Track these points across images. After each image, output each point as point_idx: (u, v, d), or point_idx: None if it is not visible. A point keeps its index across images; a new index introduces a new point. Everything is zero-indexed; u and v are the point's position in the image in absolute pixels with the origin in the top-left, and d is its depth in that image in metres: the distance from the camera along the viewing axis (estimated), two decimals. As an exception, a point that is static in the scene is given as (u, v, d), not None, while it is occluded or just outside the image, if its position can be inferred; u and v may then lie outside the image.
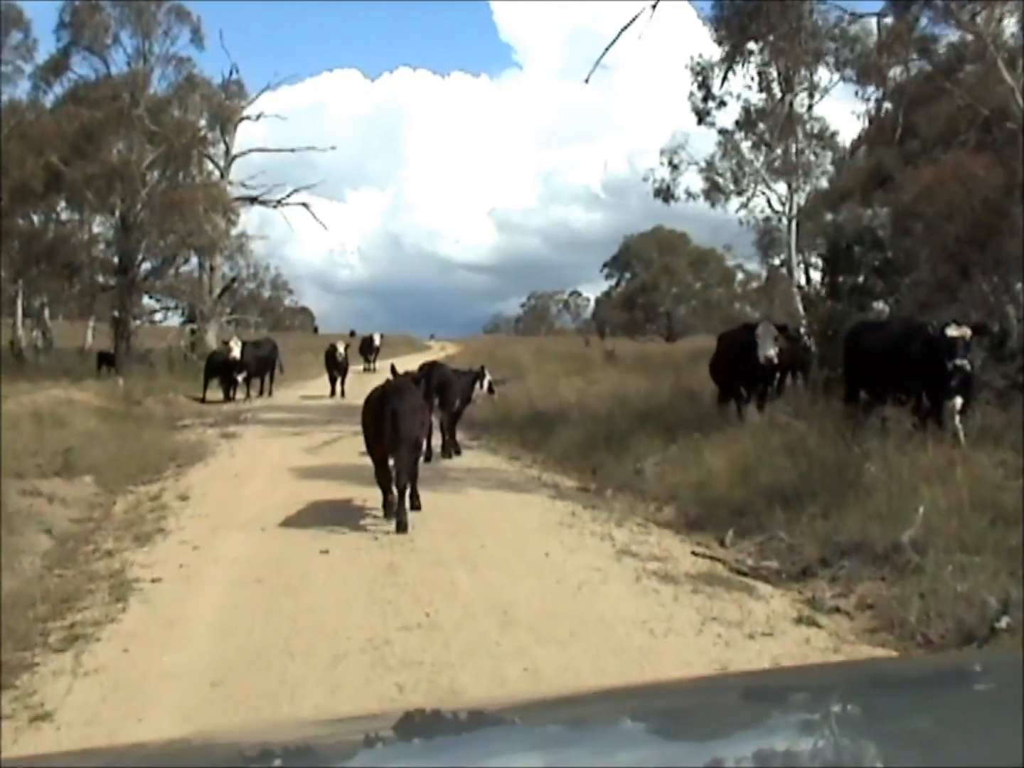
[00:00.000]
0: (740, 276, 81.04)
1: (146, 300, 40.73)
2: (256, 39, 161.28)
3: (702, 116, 36.02)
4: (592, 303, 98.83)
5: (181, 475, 16.61)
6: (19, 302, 41.88)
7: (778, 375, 19.61)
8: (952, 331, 14.03)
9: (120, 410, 25.73)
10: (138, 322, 37.65)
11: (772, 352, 18.16)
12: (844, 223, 31.43)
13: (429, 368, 19.11)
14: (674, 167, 36.27)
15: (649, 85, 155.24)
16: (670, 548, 11.59)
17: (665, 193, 36.65)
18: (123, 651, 7.94)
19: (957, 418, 14.50)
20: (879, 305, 26.87)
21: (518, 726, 2.70)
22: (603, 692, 3.90)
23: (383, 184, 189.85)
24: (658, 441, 17.28)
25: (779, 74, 35.09)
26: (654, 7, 16.61)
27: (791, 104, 34.93)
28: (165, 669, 7.56)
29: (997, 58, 21.13)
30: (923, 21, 33.87)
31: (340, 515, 13.00)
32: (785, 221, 35.74)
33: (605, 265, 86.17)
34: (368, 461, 13.60)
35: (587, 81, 16.44)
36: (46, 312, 44.07)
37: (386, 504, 12.84)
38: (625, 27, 16.71)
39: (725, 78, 28.13)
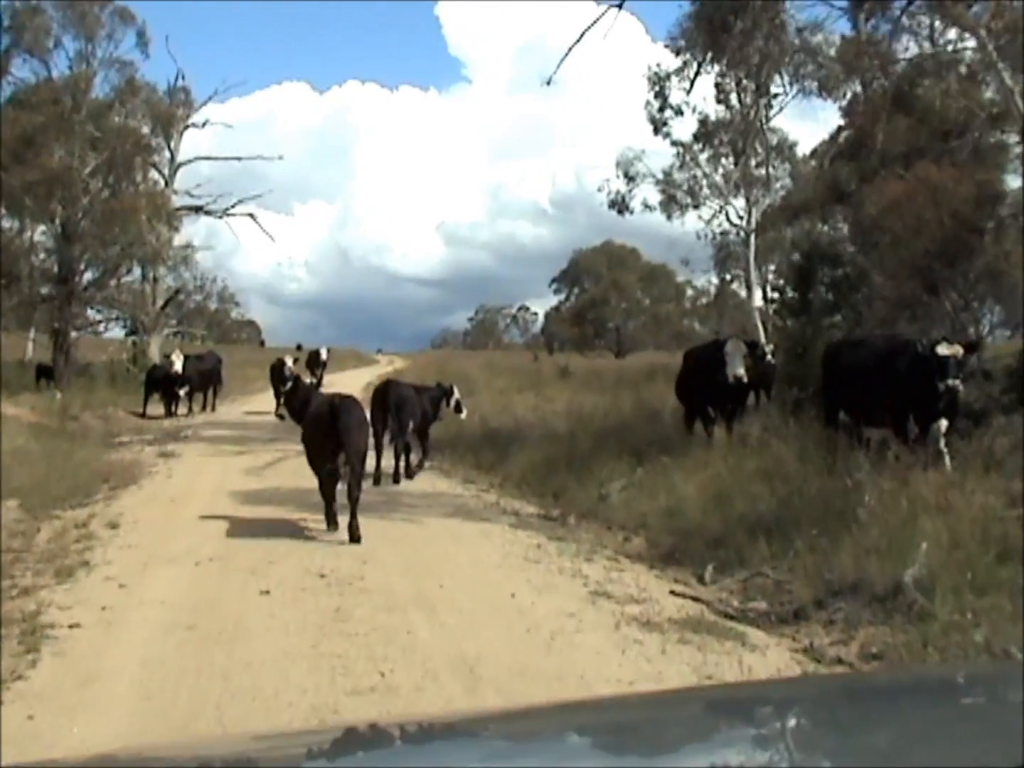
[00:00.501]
0: (690, 292, 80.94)
1: (88, 311, 39.15)
2: (204, 51, 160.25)
3: (658, 127, 35.07)
4: (541, 318, 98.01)
5: (113, 499, 15.29)
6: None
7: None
8: (943, 349, 12.98)
9: (55, 426, 24.38)
10: (78, 334, 36.06)
11: (741, 371, 17.15)
12: (801, 238, 30.53)
13: (385, 385, 17.93)
14: (630, 179, 35.26)
15: (597, 100, 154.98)
16: (647, 587, 10.43)
17: (620, 205, 35.63)
18: (28, 718, 6.70)
19: (942, 441, 13.48)
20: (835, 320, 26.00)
21: (467, 738, 2.67)
22: (556, 706, 3.93)
23: (331, 197, 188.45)
24: (623, 464, 16.23)
25: (737, 84, 34.24)
26: (620, 7, 15.51)
27: (753, 114, 34.05)
28: (73, 743, 6.31)
29: (995, 58, 20.09)
30: (881, 34, 33.42)
31: (283, 547, 11.77)
32: (743, 235, 34.82)
33: (554, 280, 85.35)
34: (313, 485, 13.12)
35: (549, 83, 15.32)
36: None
37: (329, 515, 12.86)
38: (589, 26, 15.62)
39: (694, 82, 27.10)
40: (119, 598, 9.65)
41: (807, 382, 18.39)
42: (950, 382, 12.84)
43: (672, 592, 10.25)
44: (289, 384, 15.89)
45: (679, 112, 34.65)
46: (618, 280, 77.50)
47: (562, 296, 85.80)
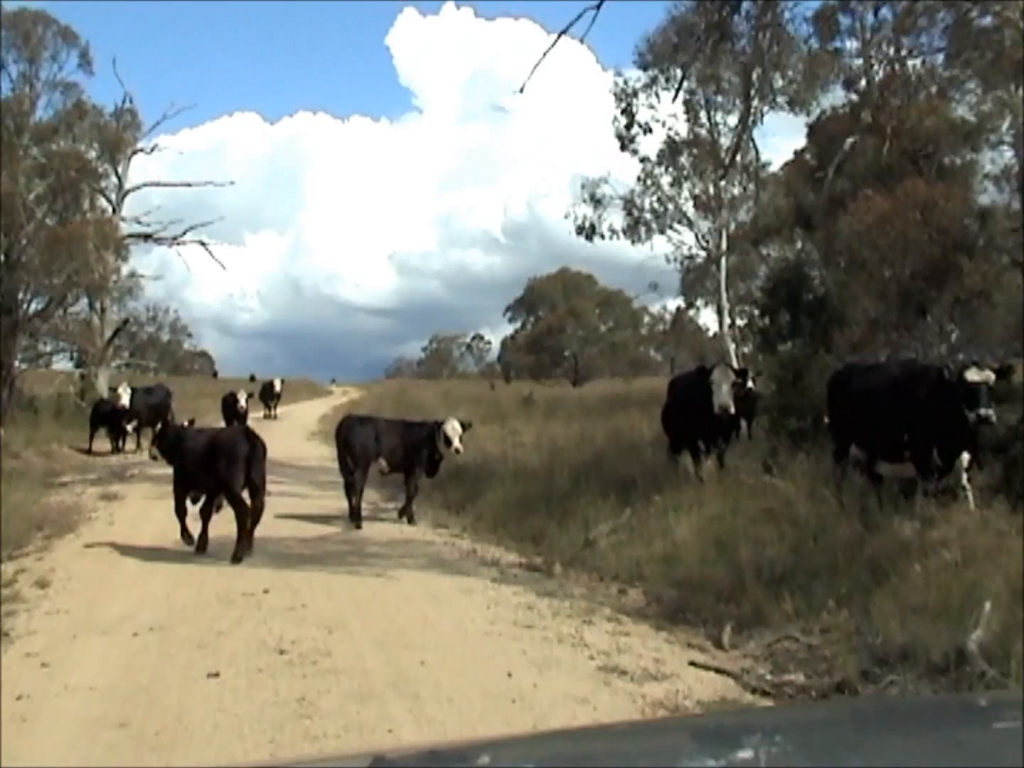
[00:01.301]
0: (647, 319, 79.66)
1: (33, 343, 37.10)
2: (151, 81, 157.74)
3: (625, 144, 33.63)
4: (495, 346, 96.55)
5: (47, 550, 13.56)
6: None
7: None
8: (973, 375, 11.46)
9: (-9, 465, 22.58)
10: (22, 366, 34.05)
11: (729, 401, 15.67)
12: (784, 259, 29.27)
13: (342, 421, 16.46)
14: (596, 202, 33.77)
15: (548, 129, 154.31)
16: (661, 656, 8.84)
17: (588, 231, 34.10)
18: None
19: (965, 476, 11.98)
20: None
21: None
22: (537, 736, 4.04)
23: (282, 227, 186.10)
24: (607, 503, 14.68)
25: (707, 102, 32.95)
26: (598, 8, 14.01)
27: (723, 132, 32.76)
28: None
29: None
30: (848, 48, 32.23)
31: (235, 612, 10.08)
32: (713, 258, 33.43)
33: (508, 308, 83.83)
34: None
35: (522, 91, 13.75)
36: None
37: (202, 537, 13.40)
38: (564, 30, 14.08)
39: (679, 91, 25.59)
40: (39, 683, 7.95)
41: (804, 411, 16.89)
42: (982, 412, 11.33)
43: (692, 663, 8.65)
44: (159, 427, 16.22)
45: (648, 130, 33.26)
46: (575, 307, 76.00)
47: (517, 324, 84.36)
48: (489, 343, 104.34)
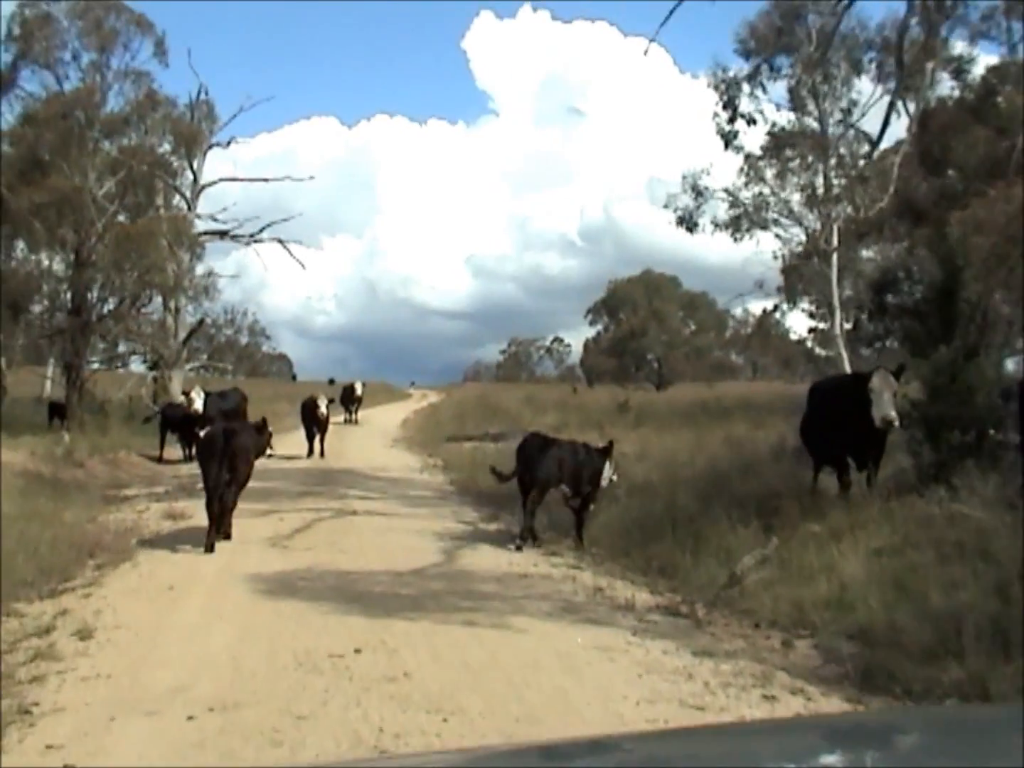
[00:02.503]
0: (732, 322, 77.04)
1: (105, 345, 35.25)
2: (225, 87, 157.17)
3: (728, 140, 31.20)
4: (575, 350, 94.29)
5: (95, 585, 11.38)
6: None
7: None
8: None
9: (52, 475, 20.60)
10: (93, 368, 32.13)
11: (893, 412, 13.19)
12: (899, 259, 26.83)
13: (527, 439, 15.14)
14: (698, 194, 31.32)
15: (624, 132, 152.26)
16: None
17: (688, 223, 31.65)
18: None
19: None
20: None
21: None
22: (596, 741, 3.61)
23: (358, 231, 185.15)
24: (746, 529, 12.33)
25: (814, 88, 30.45)
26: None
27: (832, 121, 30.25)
28: None
29: None
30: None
31: (319, 683, 7.78)
32: (824, 255, 30.88)
33: (589, 311, 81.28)
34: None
35: (646, 53, 11.67)
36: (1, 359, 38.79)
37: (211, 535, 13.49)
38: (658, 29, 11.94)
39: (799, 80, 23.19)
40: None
41: (965, 422, 14.38)
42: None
43: None
44: None
45: (751, 121, 30.80)
46: (658, 309, 73.42)
47: (598, 327, 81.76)
48: (569, 346, 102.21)
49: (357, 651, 8.51)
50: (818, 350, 71.64)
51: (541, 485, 14.12)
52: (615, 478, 14.85)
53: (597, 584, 11.67)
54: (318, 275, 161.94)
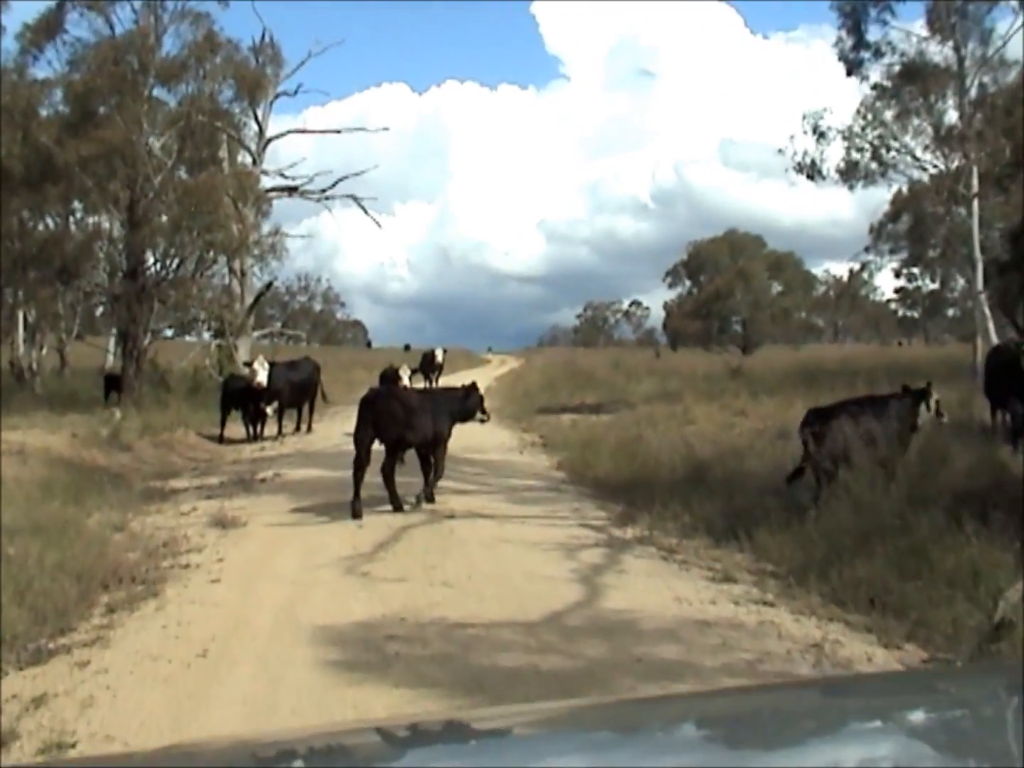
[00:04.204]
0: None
1: (164, 311, 31.69)
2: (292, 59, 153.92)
3: (853, 67, 27.10)
4: (652, 313, 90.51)
5: (100, 643, 7.80)
6: (21, 315, 32.63)
7: None
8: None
9: (91, 462, 17.22)
10: (148, 338, 28.58)
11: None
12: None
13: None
14: (820, 135, 27.26)
15: (694, 95, 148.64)
16: None
17: (809, 169, 27.59)
18: None
19: None
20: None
21: (563, 729, 2.53)
22: (653, 698, 3.79)
23: (430, 197, 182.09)
24: (991, 546, 8.62)
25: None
26: None
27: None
28: None
29: None
30: None
31: None
32: (964, 201, 26.76)
33: (668, 273, 76.68)
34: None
35: None
36: (60, 327, 35.58)
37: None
38: None
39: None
40: None
41: None
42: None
43: None
44: None
45: (878, 52, 26.71)
46: (744, 270, 68.75)
47: (677, 290, 77.05)
48: (648, 309, 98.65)
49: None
50: (905, 312, 67.53)
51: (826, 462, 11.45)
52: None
53: (808, 634, 7.86)
54: (391, 241, 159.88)
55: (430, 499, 13.51)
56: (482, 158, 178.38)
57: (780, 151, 27.84)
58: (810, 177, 27.49)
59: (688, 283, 75.72)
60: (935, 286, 49.00)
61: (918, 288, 54.11)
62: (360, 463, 12.96)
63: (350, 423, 23.95)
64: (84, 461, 17.37)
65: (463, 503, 13.61)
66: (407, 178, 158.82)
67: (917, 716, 2.49)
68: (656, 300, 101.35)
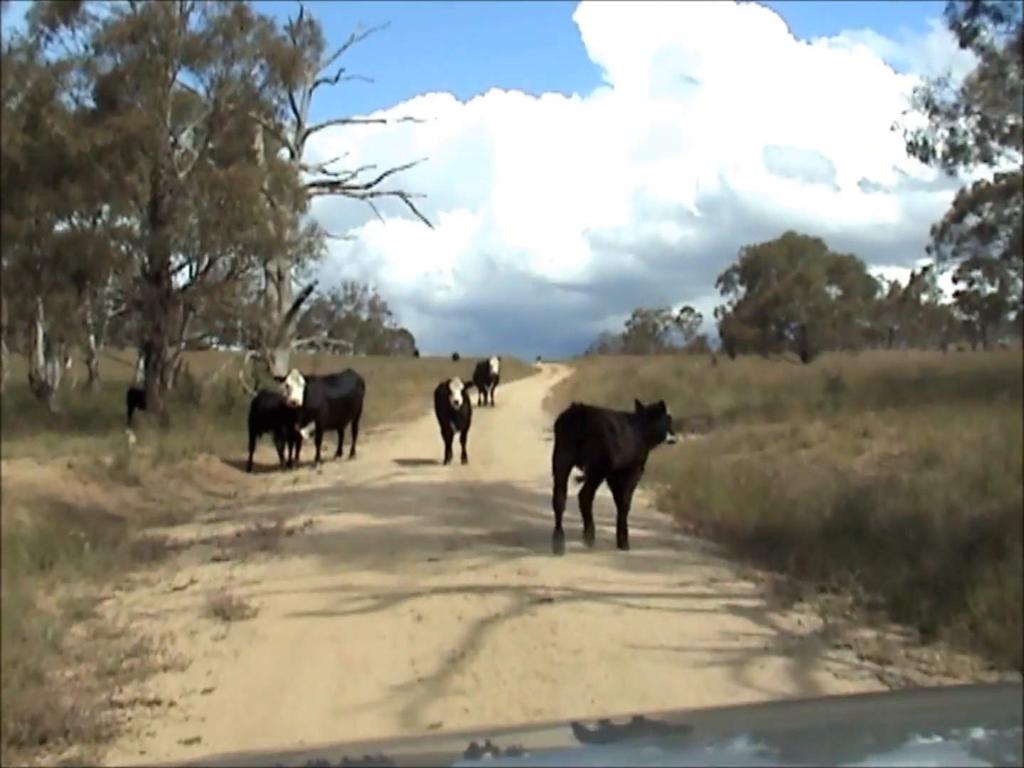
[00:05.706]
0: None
1: (192, 319, 28.18)
2: (339, 62, 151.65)
3: (966, 37, 23.24)
4: (704, 319, 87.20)
5: None
6: (39, 325, 29.15)
7: None
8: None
9: (84, 500, 13.80)
10: (174, 348, 25.06)
11: None
12: None
13: None
14: (934, 111, 23.47)
15: (737, 101, 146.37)
16: None
17: (922, 150, 23.82)
18: None
19: None
20: None
21: (611, 744, 2.43)
22: (704, 710, 3.75)
23: (475, 205, 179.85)
24: None
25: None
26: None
27: None
28: None
29: None
30: None
31: None
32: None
33: (720, 279, 72.70)
34: None
35: None
36: (83, 337, 32.22)
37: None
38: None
39: None
40: None
41: None
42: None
43: None
44: None
45: (998, 17, 22.86)
46: (803, 274, 64.76)
47: (729, 296, 72.93)
48: (700, 316, 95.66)
49: None
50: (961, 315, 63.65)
51: None
52: None
53: None
54: (436, 250, 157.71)
55: (622, 546, 11.07)
56: (526, 167, 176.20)
57: (892, 127, 24.13)
58: (924, 159, 23.72)
59: (742, 288, 71.78)
60: (994, 289, 48.41)
61: (976, 292, 51.78)
62: (561, 492, 11.12)
63: (401, 445, 20.11)
64: (76, 500, 13.93)
65: (558, 569, 9.88)
66: (452, 187, 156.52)
67: (978, 732, 2.35)
68: (702, 307, 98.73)
